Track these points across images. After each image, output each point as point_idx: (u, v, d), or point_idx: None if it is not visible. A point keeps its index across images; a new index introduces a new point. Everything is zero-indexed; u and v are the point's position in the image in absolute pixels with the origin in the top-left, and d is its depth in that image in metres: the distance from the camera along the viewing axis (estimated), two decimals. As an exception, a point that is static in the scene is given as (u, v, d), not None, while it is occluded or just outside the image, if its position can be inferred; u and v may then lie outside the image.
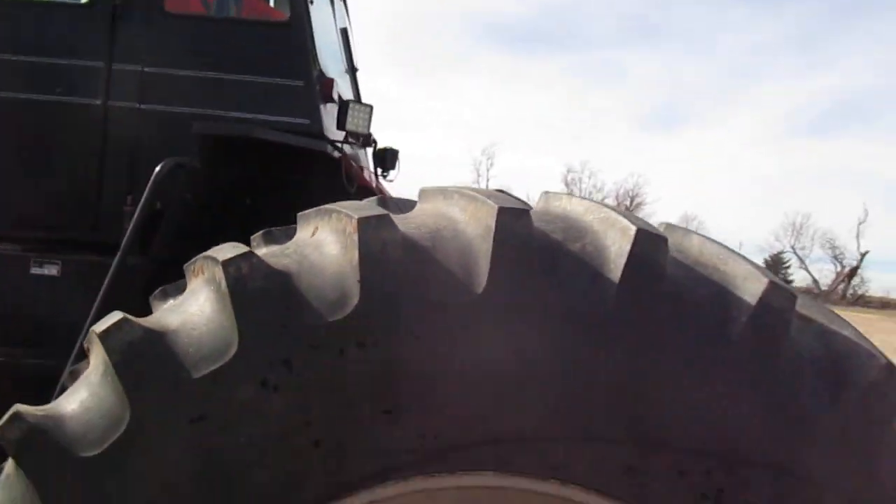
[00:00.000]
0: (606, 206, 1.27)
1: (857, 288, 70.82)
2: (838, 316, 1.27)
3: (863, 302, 67.57)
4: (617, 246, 1.16)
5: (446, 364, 1.11)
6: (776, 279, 1.17)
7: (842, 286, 70.47)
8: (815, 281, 72.96)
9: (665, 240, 1.16)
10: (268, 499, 1.13)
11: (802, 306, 1.28)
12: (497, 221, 1.15)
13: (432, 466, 1.14)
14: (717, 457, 1.10)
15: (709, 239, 1.30)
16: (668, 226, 1.36)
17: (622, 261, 1.13)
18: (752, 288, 1.15)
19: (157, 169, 2.68)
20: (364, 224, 1.15)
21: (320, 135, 3.11)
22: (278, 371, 1.11)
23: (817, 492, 1.11)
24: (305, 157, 2.99)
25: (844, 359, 1.17)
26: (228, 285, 1.14)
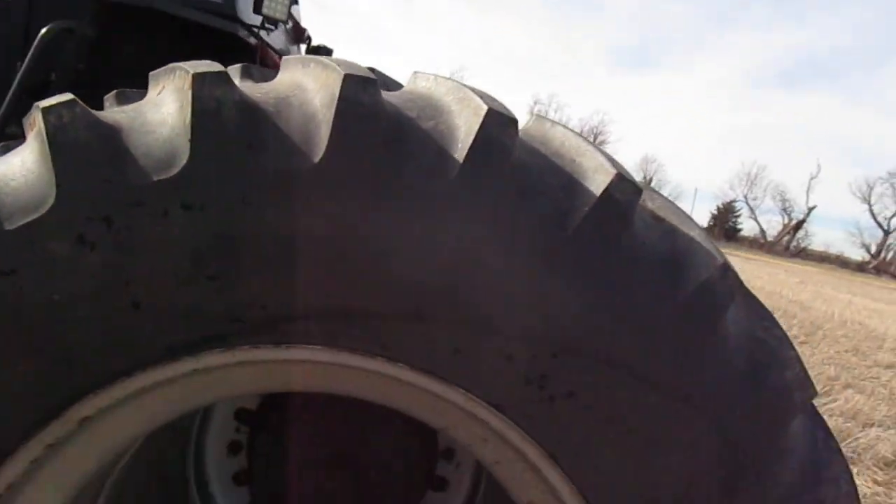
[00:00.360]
0: (470, 88, 1.21)
1: (800, 241, 73.29)
2: (690, 218, 1.27)
3: (804, 255, 70.15)
4: (467, 126, 1.11)
5: (277, 232, 1.07)
6: (625, 172, 1.14)
7: (787, 238, 72.76)
8: (762, 231, 75.17)
9: (514, 122, 1.12)
10: (84, 360, 1.09)
11: (659, 208, 1.28)
12: (342, 89, 1.08)
13: (259, 337, 1.11)
14: (544, 343, 1.10)
15: (573, 132, 1.27)
16: (537, 116, 1.32)
17: (469, 140, 1.09)
18: (598, 179, 1.13)
19: (42, 33, 2.49)
20: (199, 80, 1.08)
21: (233, 16, 2.93)
22: (97, 228, 1.05)
23: (642, 384, 1.12)
24: (217, 39, 2.83)
25: (684, 257, 1.16)
26: (47, 134, 1.06)
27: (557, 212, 1.11)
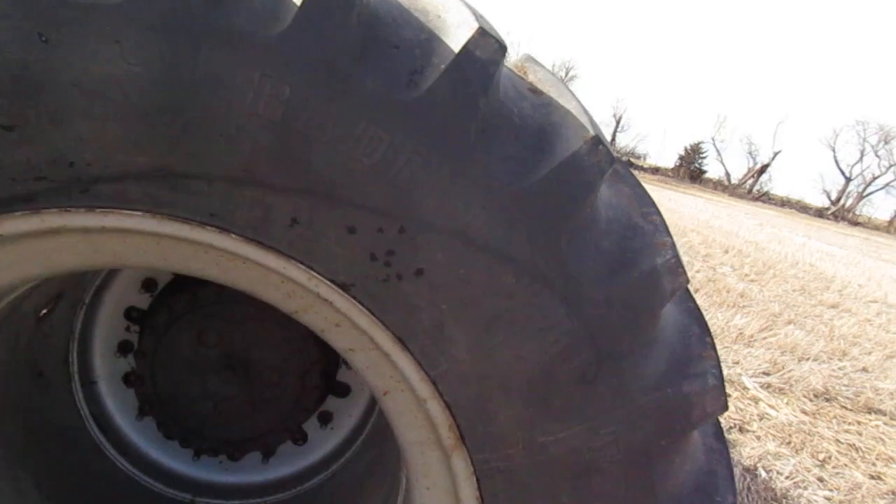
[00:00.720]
0: None
1: (763, 185, 74.35)
2: (570, 92, 1.15)
3: (766, 198, 71.35)
4: (307, -34, 0.97)
5: (81, 76, 0.93)
6: (490, 28, 1.02)
7: (750, 181, 73.71)
8: (727, 174, 75.91)
9: None
10: None
11: (540, 81, 1.16)
12: None
13: (69, 200, 0.99)
14: (390, 216, 1.00)
15: (445, -11, 1.13)
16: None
17: None
18: (459, 35, 1.00)
19: None
20: None
21: None
22: None
23: (497, 264, 1.03)
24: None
25: (554, 129, 1.06)
26: None
27: (410, 69, 0.99)
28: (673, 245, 1.11)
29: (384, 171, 0.98)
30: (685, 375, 1.12)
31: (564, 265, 1.04)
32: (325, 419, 2.20)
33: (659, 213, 1.16)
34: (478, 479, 1.12)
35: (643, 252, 1.08)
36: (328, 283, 1.04)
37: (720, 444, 1.26)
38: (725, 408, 1.14)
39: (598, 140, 1.05)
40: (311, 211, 0.99)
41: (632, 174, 1.18)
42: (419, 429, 1.16)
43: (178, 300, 1.96)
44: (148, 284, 2.06)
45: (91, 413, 2.07)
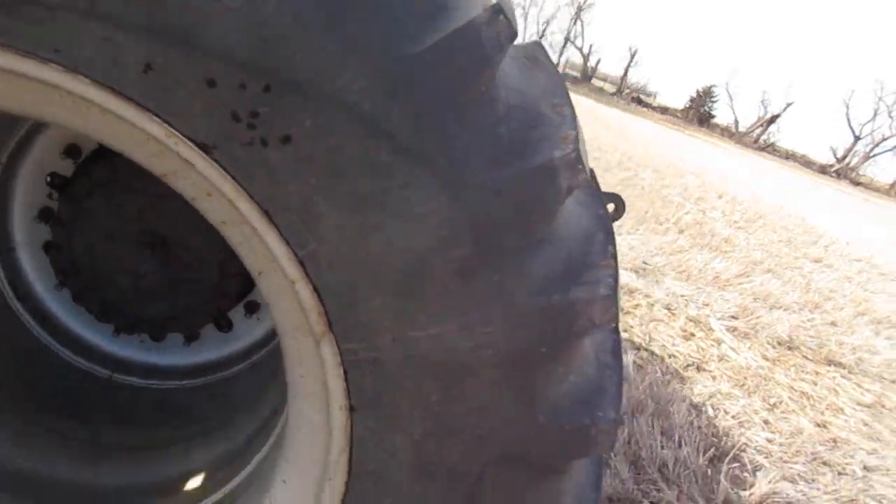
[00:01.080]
0: None
1: (770, 136, 73.27)
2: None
3: (772, 149, 70.51)
4: None
5: None
6: None
7: (758, 131, 72.59)
8: (735, 121, 74.68)
9: None
10: None
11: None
12: None
13: None
14: (255, 71, 0.89)
15: None
16: None
17: None
18: None
19: None
20: None
21: None
22: None
23: (374, 138, 0.93)
24: None
25: (452, -6, 0.94)
26: None
27: None
28: (576, 139, 1.01)
29: (249, 19, 0.87)
30: (576, 282, 1.05)
31: (450, 147, 0.94)
32: (252, 309, 2.15)
33: (570, 105, 1.05)
34: (345, 370, 1.07)
35: (542, 143, 0.99)
36: (188, 142, 0.95)
37: (615, 361, 1.21)
38: (615, 321, 1.07)
39: (498, 9, 0.93)
40: (167, 56, 0.89)
41: (550, 61, 1.08)
42: (291, 313, 1.09)
43: (100, 169, 1.86)
44: (71, 151, 1.95)
45: (8, 280, 2.01)
